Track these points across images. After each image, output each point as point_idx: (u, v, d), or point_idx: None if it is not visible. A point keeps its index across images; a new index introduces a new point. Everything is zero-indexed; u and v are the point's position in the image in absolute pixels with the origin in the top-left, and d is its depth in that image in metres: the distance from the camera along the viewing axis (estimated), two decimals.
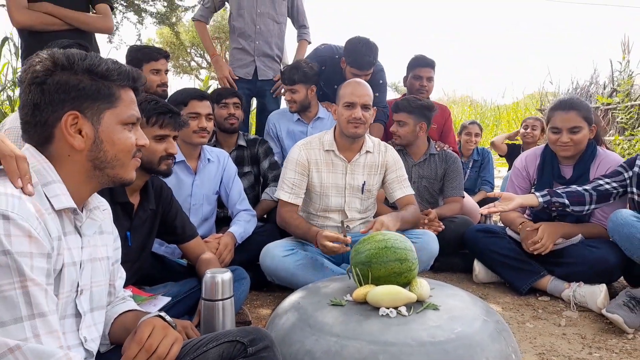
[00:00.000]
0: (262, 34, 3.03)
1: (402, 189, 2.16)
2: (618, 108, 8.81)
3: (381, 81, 2.96)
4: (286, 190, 2.07)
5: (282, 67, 3.03)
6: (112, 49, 7.09)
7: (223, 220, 2.36)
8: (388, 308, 1.24)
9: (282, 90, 2.91)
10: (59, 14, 2.38)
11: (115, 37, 5.53)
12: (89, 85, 0.92)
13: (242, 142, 2.59)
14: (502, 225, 2.43)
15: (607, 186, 1.98)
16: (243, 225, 2.10)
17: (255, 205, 2.48)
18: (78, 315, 0.96)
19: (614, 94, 9.13)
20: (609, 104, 9.09)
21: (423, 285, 1.33)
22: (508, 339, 1.24)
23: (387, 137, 3.09)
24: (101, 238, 1.08)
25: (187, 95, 2.06)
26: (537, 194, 1.97)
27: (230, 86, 2.96)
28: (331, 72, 2.91)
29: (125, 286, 1.32)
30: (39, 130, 0.92)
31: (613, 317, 1.65)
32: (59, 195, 0.90)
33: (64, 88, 0.91)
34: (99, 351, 1.09)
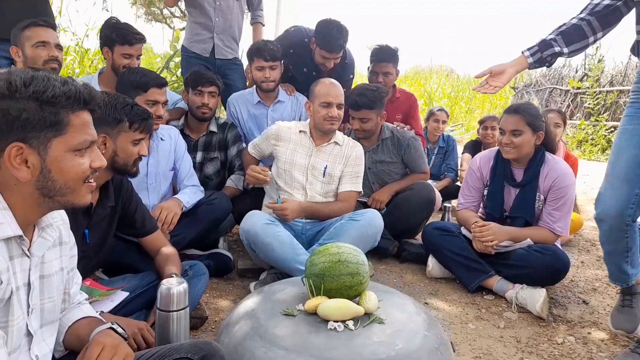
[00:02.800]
0: (222, 11, 2.94)
1: (350, 184, 2.32)
2: (587, 93, 9.06)
3: (351, 76, 2.99)
4: (251, 145, 2.47)
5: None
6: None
7: None
8: (336, 321, 1.31)
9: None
10: None
11: None
12: (33, 114, 0.88)
13: (213, 128, 2.56)
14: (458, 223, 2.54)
15: (602, 1, 1.67)
16: (188, 194, 2.16)
17: (219, 190, 2.50)
18: (29, 334, 0.99)
19: (585, 78, 9.35)
20: (578, 88, 9.32)
21: (371, 299, 1.40)
22: (445, 354, 1.34)
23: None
24: (57, 250, 1.09)
25: (148, 82, 2.01)
26: (527, 52, 1.75)
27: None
28: (300, 55, 2.88)
29: (83, 279, 1.34)
30: None
31: None
32: (3, 224, 0.90)
33: (6, 118, 0.87)
34: (53, 356, 1.12)
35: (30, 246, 0.97)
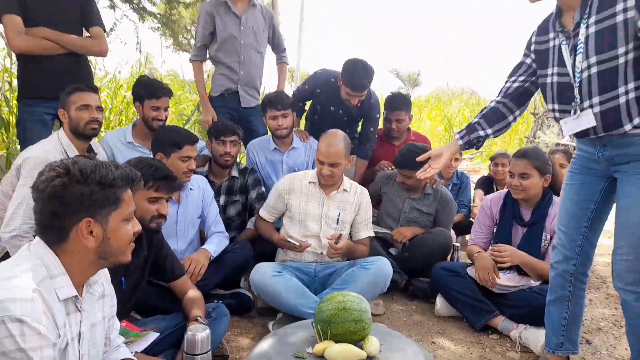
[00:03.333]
0: (245, 65, 3.21)
1: (365, 230, 2.50)
2: None
3: (377, 115, 3.18)
4: (264, 209, 2.53)
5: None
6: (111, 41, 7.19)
7: None
8: None
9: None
10: (56, 39, 2.53)
11: (113, 33, 5.64)
12: (99, 195, 1.12)
13: (234, 173, 2.78)
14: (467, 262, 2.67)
15: (512, 84, 1.86)
16: (215, 242, 2.36)
17: (241, 232, 2.70)
18: None
19: None
20: None
21: (373, 344, 1.55)
22: None
23: (372, 163, 3.32)
24: (100, 303, 1.29)
25: (182, 140, 2.24)
26: (457, 136, 1.94)
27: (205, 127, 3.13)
28: (327, 95, 3.10)
29: (119, 320, 1.54)
30: (55, 233, 1.11)
31: None
32: (62, 287, 1.11)
33: (80, 200, 1.10)
34: None
35: (81, 303, 1.18)
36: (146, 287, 1.99)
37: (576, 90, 1.59)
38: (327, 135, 2.38)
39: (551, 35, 1.70)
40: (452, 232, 3.23)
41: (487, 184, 4.07)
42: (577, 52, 1.57)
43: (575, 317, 1.83)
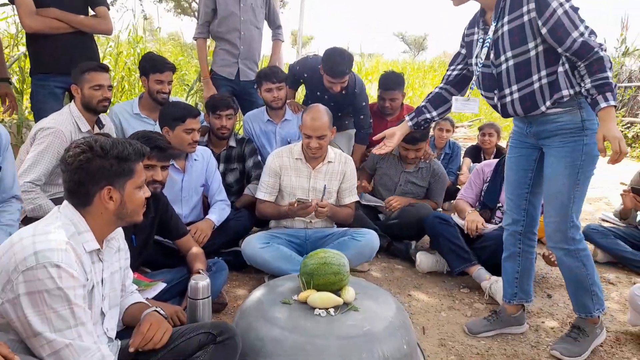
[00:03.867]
0: (246, 40, 3.38)
1: (350, 196, 2.71)
2: None
3: (364, 103, 3.33)
4: (262, 191, 2.62)
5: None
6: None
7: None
8: (321, 309, 1.73)
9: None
10: (65, 19, 2.70)
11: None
12: (117, 167, 1.35)
13: (232, 143, 3.00)
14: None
15: (452, 72, 2.08)
16: (218, 212, 2.60)
17: (239, 197, 2.95)
18: (102, 314, 1.45)
19: None
20: None
21: (349, 292, 1.81)
22: (404, 334, 1.74)
23: (371, 145, 3.51)
24: (117, 255, 1.55)
25: (185, 114, 2.44)
26: (407, 118, 2.15)
27: None
28: (314, 79, 3.26)
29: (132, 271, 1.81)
30: (81, 198, 1.35)
31: (554, 354, 1.96)
32: (88, 242, 1.35)
33: (102, 171, 1.33)
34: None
35: (102, 254, 1.43)
36: (155, 247, 2.26)
37: (486, 80, 1.88)
38: (311, 110, 2.55)
39: (476, 29, 1.93)
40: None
41: (475, 153, 4.29)
42: (494, 46, 1.82)
43: (526, 271, 2.09)
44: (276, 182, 2.63)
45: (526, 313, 2.25)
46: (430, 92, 2.14)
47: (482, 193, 2.81)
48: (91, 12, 2.89)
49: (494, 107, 1.93)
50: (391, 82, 3.56)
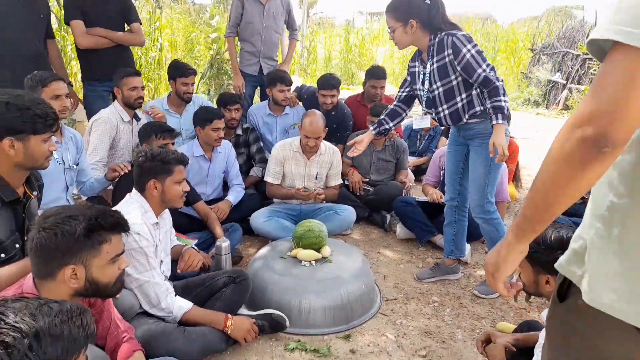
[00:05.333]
0: (266, 43, 4.12)
1: (335, 180, 3.46)
2: (594, 59, 9.50)
3: (350, 122, 4.11)
4: (271, 176, 3.35)
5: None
6: None
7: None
8: (306, 261, 2.52)
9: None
10: (109, 36, 3.42)
11: None
12: (160, 168, 2.08)
13: (239, 132, 3.74)
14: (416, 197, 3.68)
15: (402, 94, 2.71)
16: (235, 194, 3.34)
17: (247, 177, 3.71)
18: (161, 261, 2.24)
19: None
20: (587, 54, 9.75)
21: (327, 250, 2.60)
22: (364, 279, 2.53)
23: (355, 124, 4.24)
24: (165, 224, 2.33)
25: (213, 117, 3.17)
26: (371, 127, 2.76)
27: (239, 92, 4.09)
28: (310, 101, 4.08)
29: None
30: (141, 186, 2.09)
31: (474, 292, 2.73)
32: (151, 217, 2.12)
33: (150, 169, 2.06)
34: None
35: (159, 225, 2.21)
36: (185, 217, 3.04)
37: (428, 101, 2.58)
38: (309, 115, 3.25)
39: (417, 64, 2.60)
40: (411, 172, 4.20)
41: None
42: (429, 78, 2.51)
43: (460, 234, 2.83)
44: (281, 169, 3.35)
45: (461, 265, 3.02)
46: (387, 109, 2.79)
47: (442, 177, 3.52)
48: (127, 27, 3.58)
49: (436, 119, 2.63)
50: (381, 72, 4.29)
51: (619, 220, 0.85)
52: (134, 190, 2.16)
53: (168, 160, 2.11)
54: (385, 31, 17.36)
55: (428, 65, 2.49)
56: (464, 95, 2.45)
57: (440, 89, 2.48)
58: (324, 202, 3.47)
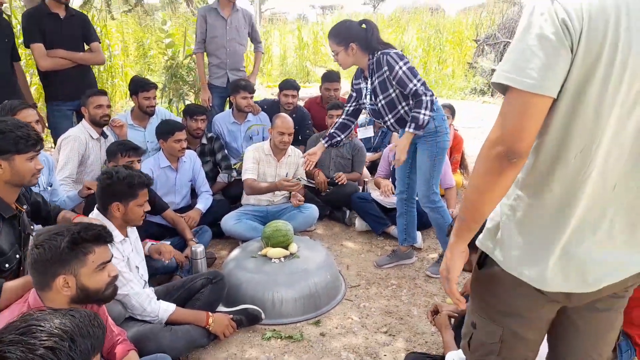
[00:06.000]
0: (231, 55, 4.34)
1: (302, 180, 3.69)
2: None
3: (309, 122, 4.46)
4: (249, 173, 3.50)
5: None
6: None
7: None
8: (275, 259, 2.77)
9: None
10: (69, 57, 3.53)
11: None
12: (126, 190, 2.15)
13: (204, 141, 3.93)
14: (373, 189, 4.00)
15: (349, 108, 3.04)
16: (204, 202, 3.53)
17: (214, 183, 3.91)
18: (137, 267, 2.43)
19: None
20: None
21: (294, 246, 2.86)
22: (328, 270, 2.81)
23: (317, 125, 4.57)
24: (134, 239, 2.52)
25: (173, 128, 3.34)
26: (323, 141, 3.02)
27: (206, 104, 4.33)
28: (270, 111, 4.34)
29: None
30: (104, 207, 2.23)
31: (427, 273, 3.09)
32: (117, 237, 2.25)
33: (114, 193, 2.15)
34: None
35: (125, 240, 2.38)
36: (155, 225, 3.22)
37: (374, 113, 2.90)
38: (279, 116, 3.52)
39: (361, 81, 2.91)
40: (367, 170, 4.52)
41: None
42: (372, 93, 2.82)
43: (410, 223, 3.16)
44: (257, 167, 3.55)
45: (415, 250, 3.37)
46: (336, 122, 3.08)
47: (392, 170, 3.86)
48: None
49: (385, 127, 2.93)
50: (334, 76, 4.60)
51: (521, 208, 1.14)
52: (95, 210, 2.26)
53: (134, 185, 2.18)
54: None
55: (369, 82, 2.80)
56: (404, 104, 2.76)
57: (383, 101, 2.79)
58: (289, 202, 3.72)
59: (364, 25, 2.72)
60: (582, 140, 1.02)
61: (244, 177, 3.54)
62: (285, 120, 3.49)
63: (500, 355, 1.29)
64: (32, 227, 2.09)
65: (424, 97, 2.64)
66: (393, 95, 2.75)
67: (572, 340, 1.31)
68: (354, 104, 3.02)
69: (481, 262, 1.28)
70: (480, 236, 1.26)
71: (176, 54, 7.67)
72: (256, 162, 3.55)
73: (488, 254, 1.22)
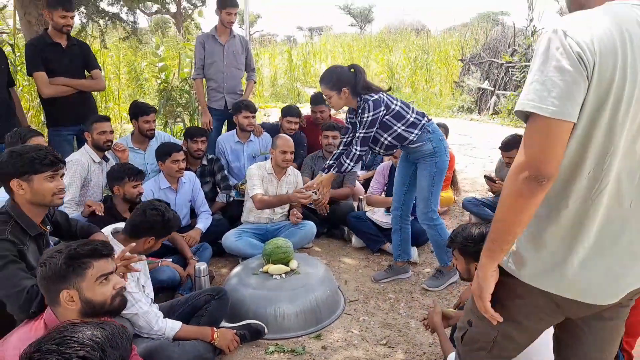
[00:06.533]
0: (228, 79, 4.51)
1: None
2: (515, 67, 10.52)
3: (305, 144, 4.62)
4: (257, 188, 3.59)
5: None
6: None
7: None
8: (277, 275, 2.86)
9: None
10: (70, 84, 3.64)
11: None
12: (162, 228, 2.35)
13: (204, 162, 4.04)
14: (367, 209, 4.10)
15: (346, 140, 3.13)
16: (204, 221, 3.61)
17: (213, 204, 4.00)
18: (143, 287, 2.51)
19: (514, 53, 10.79)
20: (510, 62, 10.77)
21: (294, 263, 2.95)
22: (328, 285, 2.90)
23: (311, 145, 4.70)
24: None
25: (170, 150, 3.46)
26: (333, 171, 3.04)
27: (207, 127, 4.46)
28: (269, 133, 4.50)
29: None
30: (138, 237, 2.36)
31: (423, 286, 3.16)
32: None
33: (151, 227, 2.35)
34: None
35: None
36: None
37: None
38: (280, 137, 3.66)
39: (353, 116, 3.05)
40: (361, 186, 4.64)
41: None
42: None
43: (405, 239, 3.27)
44: (261, 182, 3.65)
45: (411, 265, 3.47)
46: (334, 154, 3.16)
47: (385, 188, 3.98)
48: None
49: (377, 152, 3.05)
50: (319, 99, 4.71)
51: (536, 223, 1.19)
52: (106, 229, 2.41)
53: (172, 227, 2.39)
54: (326, 47, 18.24)
55: (359, 119, 2.94)
56: (385, 135, 2.91)
57: (370, 134, 2.92)
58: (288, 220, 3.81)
59: (352, 70, 2.89)
60: (594, 160, 1.11)
61: (252, 193, 3.62)
62: (286, 140, 3.64)
63: (490, 353, 1.39)
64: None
65: (352, 150, 2.90)
66: (374, 133, 2.91)
67: (579, 348, 1.39)
68: (350, 135, 3.13)
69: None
70: None
71: (169, 77, 7.84)
72: (260, 178, 3.66)
73: (502, 265, 1.27)
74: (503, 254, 1.22)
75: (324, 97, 2.98)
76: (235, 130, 4.35)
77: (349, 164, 2.93)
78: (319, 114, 4.68)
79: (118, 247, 2.18)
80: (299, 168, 4.21)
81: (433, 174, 2.93)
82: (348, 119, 3.12)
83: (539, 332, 1.36)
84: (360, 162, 4.46)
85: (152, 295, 2.50)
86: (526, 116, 1.11)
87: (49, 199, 1.99)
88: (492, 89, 11.11)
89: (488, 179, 4.13)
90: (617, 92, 1.06)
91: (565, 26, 1.08)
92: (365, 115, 2.81)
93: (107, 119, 3.48)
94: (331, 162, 3.12)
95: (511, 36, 11.22)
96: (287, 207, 3.82)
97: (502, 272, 1.27)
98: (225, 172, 4.15)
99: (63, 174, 2.06)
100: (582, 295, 1.20)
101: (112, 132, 3.49)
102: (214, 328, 2.43)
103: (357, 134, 2.86)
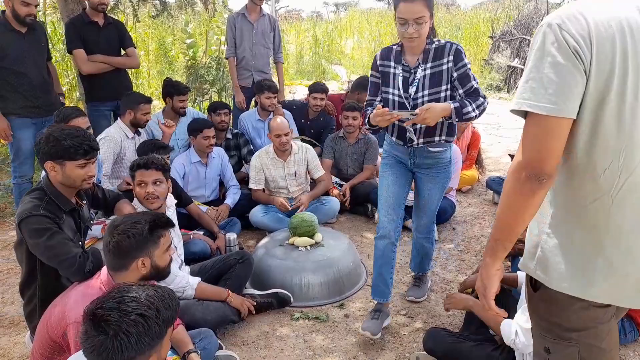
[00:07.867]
0: (257, 57, 4.63)
1: (318, 172, 3.87)
2: None
3: (333, 126, 4.71)
4: (253, 183, 3.74)
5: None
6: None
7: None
8: (302, 247, 2.99)
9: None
10: (108, 61, 3.80)
11: None
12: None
13: (229, 136, 4.18)
14: None
15: (374, 102, 2.42)
16: (232, 196, 3.76)
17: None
18: (175, 248, 2.68)
19: None
20: None
21: (319, 236, 3.07)
22: (350, 257, 3.02)
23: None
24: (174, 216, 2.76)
25: (202, 126, 3.60)
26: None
27: (241, 107, 4.62)
28: (300, 110, 4.67)
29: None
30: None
31: (409, 299, 2.82)
32: None
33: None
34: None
35: None
36: (187, 218, 3.46)
37: (410, 109, 2.29)
38: (275, 118, 3.71)
39: (392, 64, 2.34)
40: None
41: None
42: (413, 84, 2.30)
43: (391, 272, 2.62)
44: (261, 175, 3.74)
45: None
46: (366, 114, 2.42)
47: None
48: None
49: (407, 132, 2.36)
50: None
51: (558, 227, 1.15)
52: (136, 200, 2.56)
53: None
54: (351, 23, 17.94)
55: (419, 71, 2.29)
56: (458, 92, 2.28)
57: (426, 98, 2.26)
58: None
59: None
60: (607, 156, 1.06)
61: (250, 185, 3.78)
62: (278, 123, 3.64)
63: None
64: (91, 221, 2.34)
65: (482, 100, 2.24)
66: (442, 94, 2.27)
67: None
68: (378, 96, 2.46)
69: (534, 285, 1.24)
70: (522, 259, 1.26)
71: (197, 54, 7.96)
72: (259, 170, 3.71)
73: (530, 274, 1.22)
74: (506, 252, 1.20)
75: (415, 17, 2.11)
76: (256, 109, 4.48)
77: (475, 112, 2.20)
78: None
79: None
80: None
81: (444, 186, 2.55)
82: (380, 67, 2.40)
83: (615, 330, 1.25)
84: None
85: (182, 257, 2.67)
86: (524, 114, 1.08)
87: (79, 184, 2.10)
88: (523, 67, 10.86)
89: (512, 157, 4.13)
90: (619, 83, 1.02)
91: (560, 20, 1.04)
92: (466, 61, 2.21)
93: (151, 100, 3.63)
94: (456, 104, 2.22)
95: (545, 12, 10.86)
96: (304, 184, 3.91)
97: (547, 291, 1.18)
98: (251, 146, 4.29)
99: (95, 161, 2.15)
100: (608, 298, 1.15)
101: (150, 114, 3.65)
102: (229, 290, 2.55)
103: (474, 84, 2.22)
